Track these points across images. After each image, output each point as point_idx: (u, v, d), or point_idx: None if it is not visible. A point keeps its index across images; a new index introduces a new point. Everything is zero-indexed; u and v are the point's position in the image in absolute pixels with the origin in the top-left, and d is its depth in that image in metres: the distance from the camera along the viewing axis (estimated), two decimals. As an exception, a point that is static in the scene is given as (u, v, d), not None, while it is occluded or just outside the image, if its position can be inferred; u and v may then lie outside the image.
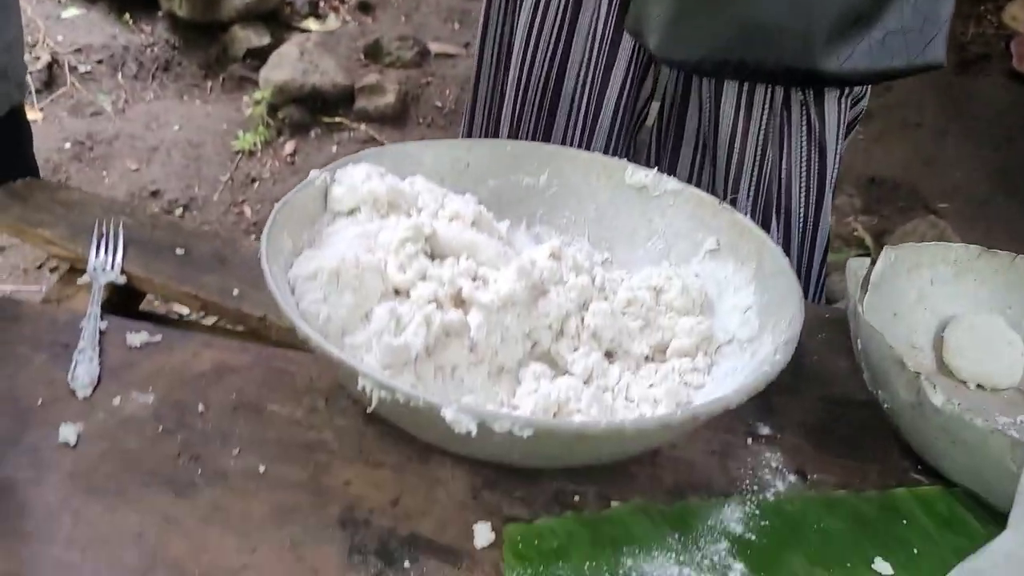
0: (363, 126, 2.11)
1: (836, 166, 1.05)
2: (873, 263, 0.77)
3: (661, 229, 0.80)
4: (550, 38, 1.03)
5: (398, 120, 2.14)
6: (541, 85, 1.05)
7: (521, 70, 1.06)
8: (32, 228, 0.78)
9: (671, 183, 0.82)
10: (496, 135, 1.11)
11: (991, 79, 2.68)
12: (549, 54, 1.04)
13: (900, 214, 2.08)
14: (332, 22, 2.39)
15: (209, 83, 2.23)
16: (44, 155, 1.89)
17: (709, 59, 0.91)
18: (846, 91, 1.02)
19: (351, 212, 0.72)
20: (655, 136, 1.06)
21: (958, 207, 2.13)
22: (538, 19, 1.03)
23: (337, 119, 2.12)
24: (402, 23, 2.46)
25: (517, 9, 1.05)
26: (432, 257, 0.69)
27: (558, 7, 1.01)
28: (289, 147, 2.06)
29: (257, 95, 2.12)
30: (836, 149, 1.04)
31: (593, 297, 0.71)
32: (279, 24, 2.30)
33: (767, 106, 0.99)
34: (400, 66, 2.25)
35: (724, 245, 0.76)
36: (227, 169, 1.98)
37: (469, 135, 1.16)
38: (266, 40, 2.23)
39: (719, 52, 0.90)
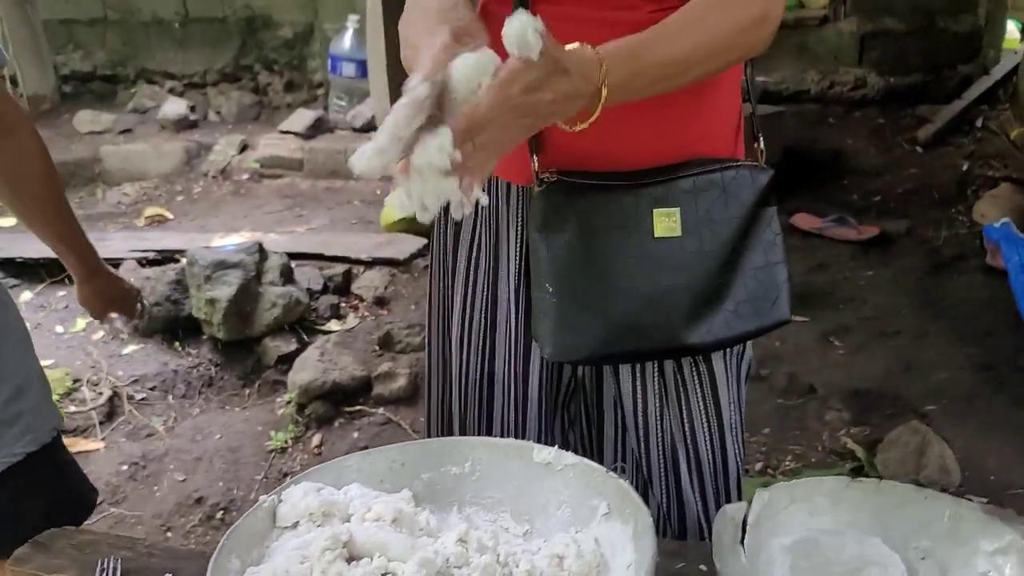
0: (381, 410, 2.35)
1: (734, 413, 1.21)
2: (749, 504, 0.90)
3: (566, 498, 0.96)
4: (478, 342, 1.25)
5: (411, 400, 2.39)
6: (477, 379, 1.26)
7: (460, 368, 1.28)
8: (48, 575, 0.98)
9: (569, 457, 0.99)
10: (449, 422, 1.30)
11: (967, 277, 2.83)
12: (478, 355, 1.26)
13: (889, 421, 2.17)
14: (351, 320, 2.72)
15: (247, 391, 2.53)
16: (104, 479, 2.15)
17: (595, 354, 1.11)
18: (726, 351, 1.20)
19: (294, 526, 0.91)
20: (584, 410, 1.25)
21: (945, 407, 2.21)
22: (465, 328, 1.26)
23: (357, 407, 2.37)
24: (412, 311, 2.77)
25: (449, 320, 1.29)
26: (351, 559, 0.87)
27: (481, 320, 1.24)
28: (316, 439, 2.29)
29: (287, 396, 2.40)
30: (731, 398, 1.20)
31: (496, 574, 0.85)
32: (305, 329, 2.64)
33: (658, 374, 1.17)
34: (410, 351, 2.53)
35: (613, 509, 0.92)
36: (262, 469, 2.21)
37: (427, 425, 1.37)
38: (293, 346, 2.55)
39: (600, 348, 1.10)
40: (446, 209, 0.94)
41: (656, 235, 1.09)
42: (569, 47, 0.89)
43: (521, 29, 0.81)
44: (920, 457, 2.00)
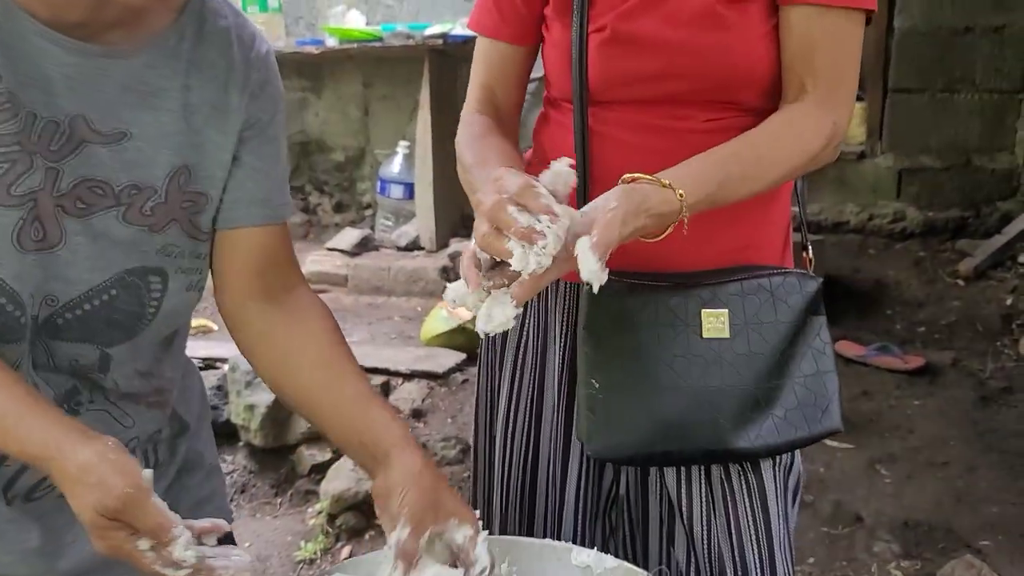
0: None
1: (783, 527, 1.17)
2: None
3: None
4: (522, 440, 1.25)
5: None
6: (519, 478, 1.24)
7: (503, 467, 1.26)
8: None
9: (609, 561, 0.97)
10: (491, 521, 1.27)
11: (1017, 410, 2.76)
12: (521, 454, 1.25)
13: (941, 555, 2.08)
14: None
15: (279, 500, 2.50)
16: None
17: (639, 453, 1.10)
18: (775, 461, 1.17)
19: (328, 620, 0.89)
20: (627, 515, 1.22)
21: (1000, 543, 2.11)
22: (510, 425, 1.26)
23: (390, 520, 2.33)
24: (448, 424, 2.75)
25: (494, 418, 1.29)
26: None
27: (525, 419, 1.24)
28: (345, 552, 2.24)
29: (318, 506, 2.36)
30: (780, 511, 1.17)
31: None
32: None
33: (704, 481, 1.15)
34: (445, 464, 2.50)
35: None
36: (289, 579, 2.16)
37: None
38: (328, 455, 2.53)
39: (645, 447, 1.09)
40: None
41: (704, 335, 1.09)
42: (621, 186, 0.95)
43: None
44: (977, 594, 1.90)
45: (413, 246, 4.36)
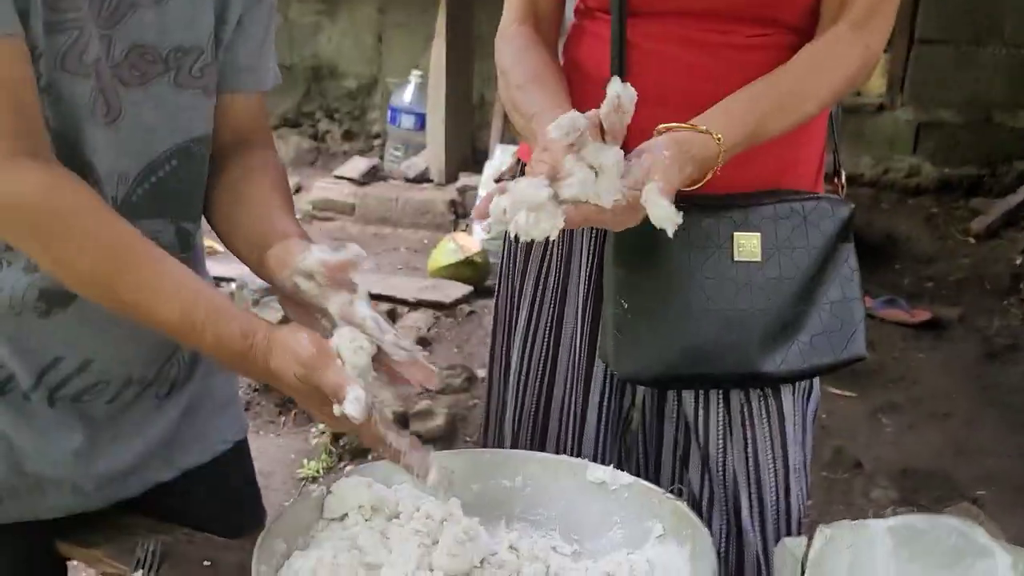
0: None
1: (799, 453, 1.17)
2: (810, 542, 0.87)
3: (619, 519, 0.94)
4: (539, 363, 1.24)
5: (447, 439, 2.36)
6: (535, 400, 1.24)
7: (517, 388, 1.26)
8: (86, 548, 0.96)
9: (624, 477, 0.97)
10: (502, 443, 1.27)
11: (1020, 367, 2.78)
12: (538, 375, 1.24)
13: (937, 503, 2.10)
14: (393, 358, 2.72)
15: (283, 418, 2.52)
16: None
17: (666, 374, 1.09)
18: (796, 387, 1.17)
19: (341, 518, 0.89)
20: (641, 438, 1.22)
21: (995, 495, 2.14)
22: (527, 348, 1.25)
23: (393, 443, 2.34)
24: (454, 353, 2.76)
25: (511, 340, 1.27)
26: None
27: (544, 339, 1.23)
28: (347, 471, 2.26)
29: (322, 426, 2.38)
30: (797, 439, 1.17)
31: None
32: (345, 363, 2.63)
33: (723, 406, 1.15)
34: (451, 392, 2.51)
35: (669, 530, 0.89)
36: (291, 496, 2.18)
37: (484, 443, 1.34)
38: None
39: (672, 369, 1.08)
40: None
41: (736, 258, 1.07)
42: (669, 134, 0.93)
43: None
44: (973, 541, 1.92)
45: (422, 178, 4.32)
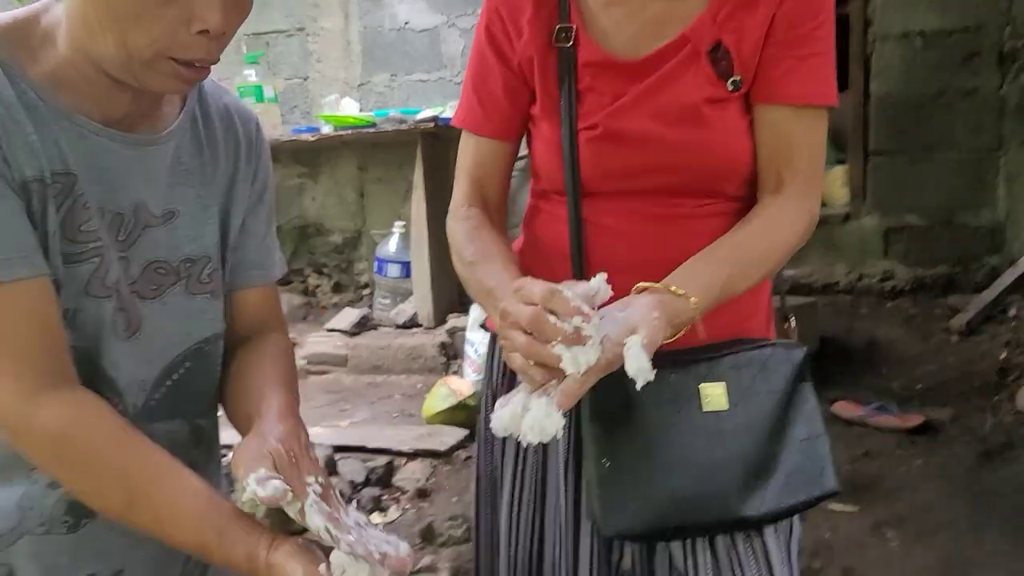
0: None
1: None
2: None
3: None
4: (527, 521, 1.27)
5: (454, 594, 2.33)
6: (526, 562, 1.26)
7: (509, 549, 1.28)
8: None
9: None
10: (498, 608, 1.28)
11: (1019, 464, 2.77)
12: (528, 536, 1.27)
13: (953, 617, 2.07)
14: (393, 513, 2.71)
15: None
16: None
17: (652, 528, 1.12)
18: (777, 527, 1.20)
19: None
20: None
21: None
22: (514, 507, 1.28)
23: (399, 603, 2.31)
24: (453, 503, 2.75)
25: (498, 500, 1.31)
26: None
27: (530, 500, 1.26)
28: None
29: None
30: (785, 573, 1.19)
31: None
32: (346, 523, 2.62)
33: (710, 554, 1.17)
34: (452, 544, 2.50)
35: None
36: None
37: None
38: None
39: (658, 523, 1.11)
40: (494, 389, 1.03)
41: (704, 409, 1.13)
42: (653, 295, 1.01)
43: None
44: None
45: (411, 324, 4.40)
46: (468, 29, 4.60)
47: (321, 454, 2.72)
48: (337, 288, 4.98)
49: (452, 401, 3.25)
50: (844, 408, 3.19)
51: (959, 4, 3.89)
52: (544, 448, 1.25)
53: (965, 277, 4.04)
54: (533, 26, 1.19)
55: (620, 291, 1.04)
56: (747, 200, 1.17)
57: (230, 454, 0.90)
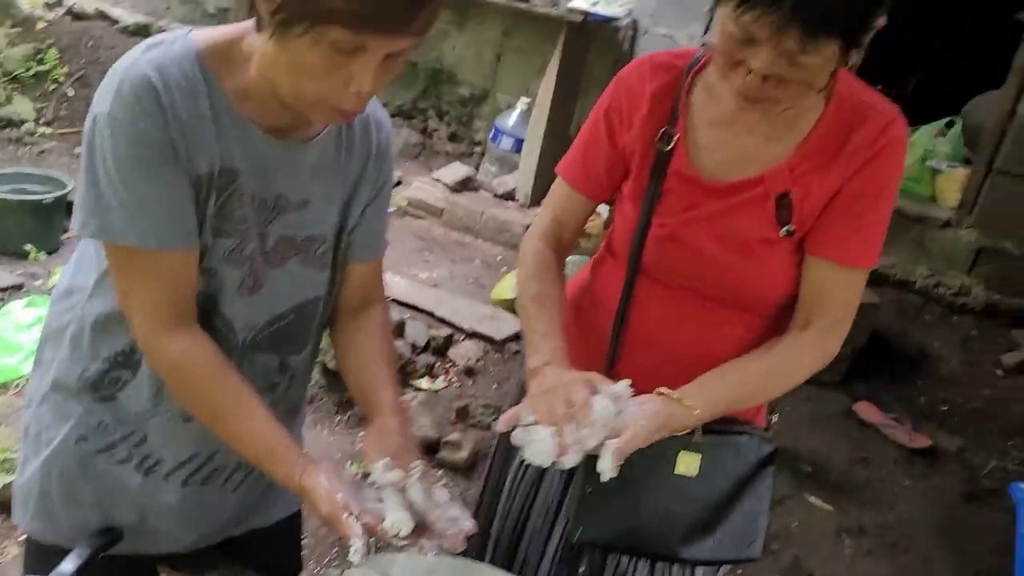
0: (440, 472, 2.75)
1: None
2: None
3: None
4: (522, 500, 1.62)
5: (468, 472, 2.76)
6: (512, 527, 1.62)
7: (503, 509, 1.64)
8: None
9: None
10: (482, 550, 1.65)
11: (996, 515, 2.99)
12: (519, 508, 1.62)
13: (867, 630, 2.41)
14: (440, 383, 3.12)
15: (338, 417, 2.96)
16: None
17: (606, 545, 1.46)
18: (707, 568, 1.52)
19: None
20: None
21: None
22: (517, 479, 1.62)
23: (423, 463, 2.77)
24: (493, 390, 3.15)
25: (507, 466, 1.65)
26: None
27: (532, 480, 1.60)
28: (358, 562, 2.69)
29: (369, 435, 2.81)
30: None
31: None
32: (400, 380, 3.05)
33: (648, 568, 1.51)
34: (480, 427, 2.91)
35: None
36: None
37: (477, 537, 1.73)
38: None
39: (612, 542, 1.44)
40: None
41: (677, 471, 1.42)
42: (664, 402, 1.27)
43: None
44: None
45: (509, 196, 4.69)
46: (644, -72, 4.55)
47: (394, 317, 3.11)
48: (453, 137, 5.25)
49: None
50: (864, 410, 3.43)
51: None
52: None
53: (1038, 317, 4.10)
54: (644, 123, 1.40)
55: (646, 367, 1.32)
56: (775, 319, 1.40)
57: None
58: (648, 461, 1.42)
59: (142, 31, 5.70)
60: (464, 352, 3.29)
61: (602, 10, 4.36)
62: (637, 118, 1.41)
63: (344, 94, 1.08)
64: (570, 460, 1.21)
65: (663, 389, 1.29)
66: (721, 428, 1.44)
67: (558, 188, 1.52)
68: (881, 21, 1.18)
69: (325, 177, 1.27)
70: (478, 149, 5.15)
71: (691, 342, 1.41)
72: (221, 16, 5.76)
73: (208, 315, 1.21)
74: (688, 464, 1.43)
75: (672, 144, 1.38)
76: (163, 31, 6.14)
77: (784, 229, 1.33)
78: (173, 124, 1.08)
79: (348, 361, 1.37)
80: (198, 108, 1.11)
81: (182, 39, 1.13)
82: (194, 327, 1.18)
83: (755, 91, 1.20)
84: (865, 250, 1.34)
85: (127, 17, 5.80)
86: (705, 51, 1.33)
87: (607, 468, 1.21)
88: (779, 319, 1.40)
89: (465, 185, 4.74)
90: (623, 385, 1.26)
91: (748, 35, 1.15)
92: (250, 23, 1.14)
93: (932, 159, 4.42)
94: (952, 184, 4.29)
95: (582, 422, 1.21)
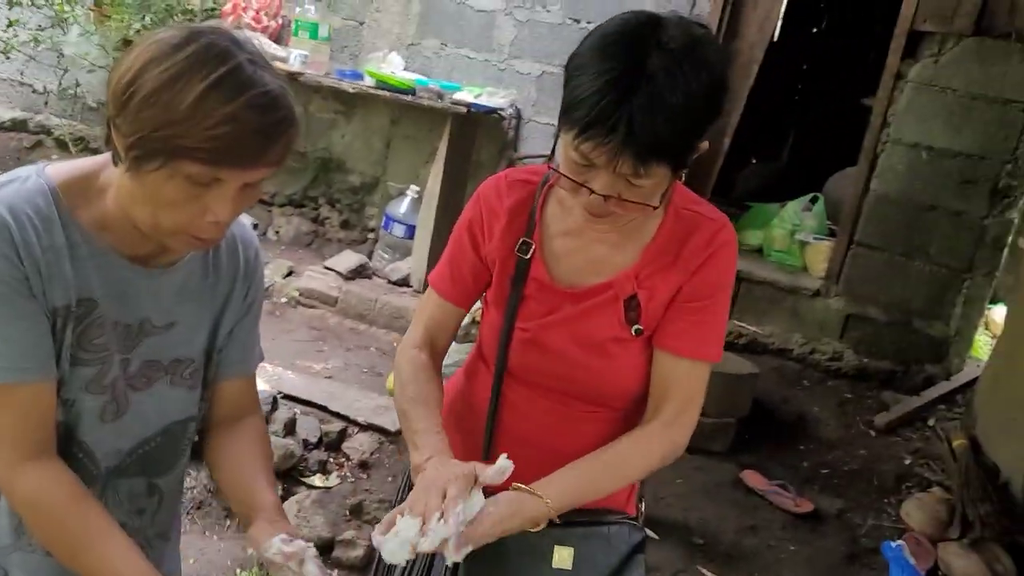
0: (335, 573, 2.71)
1: None
2: None
3: None
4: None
5: (364, 570, 2.74)
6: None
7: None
8: None
9: None
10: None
11: (876, 574, 3.15)
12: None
13: None
14: (333, 479, 3.10)
15: (228, 523, 2.89)
16: None
17: None
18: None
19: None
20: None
21: None
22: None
23: (318, 563, 2.73)
24: (388, 483, 3.14)
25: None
26: None
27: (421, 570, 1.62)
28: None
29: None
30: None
31: None
32: (292, 479, 3.02)
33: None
34: (375, 523, 2.90)
35: None
36: (221, 600, 2.56)
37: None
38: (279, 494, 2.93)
39: None
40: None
41: (553, 565, 1.48)
42: (518, 495, 1.32)
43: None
44: None
45: (403, 282, 4.74)
46: (523, 21, 4.78)
47: (285, 415, 3.10)
48: (345, 225, 5.30)
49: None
50: (751, 478, 3.57)
51: (973, 131, 4.10)
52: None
53: (904, 378, 4.36)
54: (504, 234, 1.50)
55: (518, 464, 1.37)
56: (631, 413, 1.50)
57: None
58: (525, 557, 1.48)
59: (19, 126, 5.59)
60: (358, 445, 3.28)
61: (486, 101, 4.53)
62: (497, 229, 1.50)
63: (201, 223, 1.13)
64: (424, 546, 1.23)
65: (518, 484, 1.35)
66: (591, 520, 1.51)
67: (428, 297, 1.59)
68: (704, 145, 1.31)
69: (191, 299, 1.30)
70: (371, 236, 5.21)
71: (555, 438, 1.49)
72: (103, 109, 5.70)
73: (68, 444, 1.21)
74: (562, 558, 1.49)
75: (530, 253, 1.48)
76: (42, 127, 6.00)
77: (634, 328, 1.44)
78: (27, 260, 1.10)
79: (223, 471, 1.37)
80: (53, 242, 1.13)
81: (36, 175, 1.16)
82: (52, 459, 1.17)
83: (598, 208, 1.31)
84: (704, 343, 1.45)
85: (2, 113, 5.68)
86: (553, 173, 1.44)
87: (450, 553, 1.24)
88: (635, 413, 1.50)
89: (359, 273, 4.77)
90: (502, 459, 1.30)
91: (588, 161, 1.27)
92: (107, 156, 1.18)
93: (800, 232, 4.72)
94: (819, 255, 4.58)
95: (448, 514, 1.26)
